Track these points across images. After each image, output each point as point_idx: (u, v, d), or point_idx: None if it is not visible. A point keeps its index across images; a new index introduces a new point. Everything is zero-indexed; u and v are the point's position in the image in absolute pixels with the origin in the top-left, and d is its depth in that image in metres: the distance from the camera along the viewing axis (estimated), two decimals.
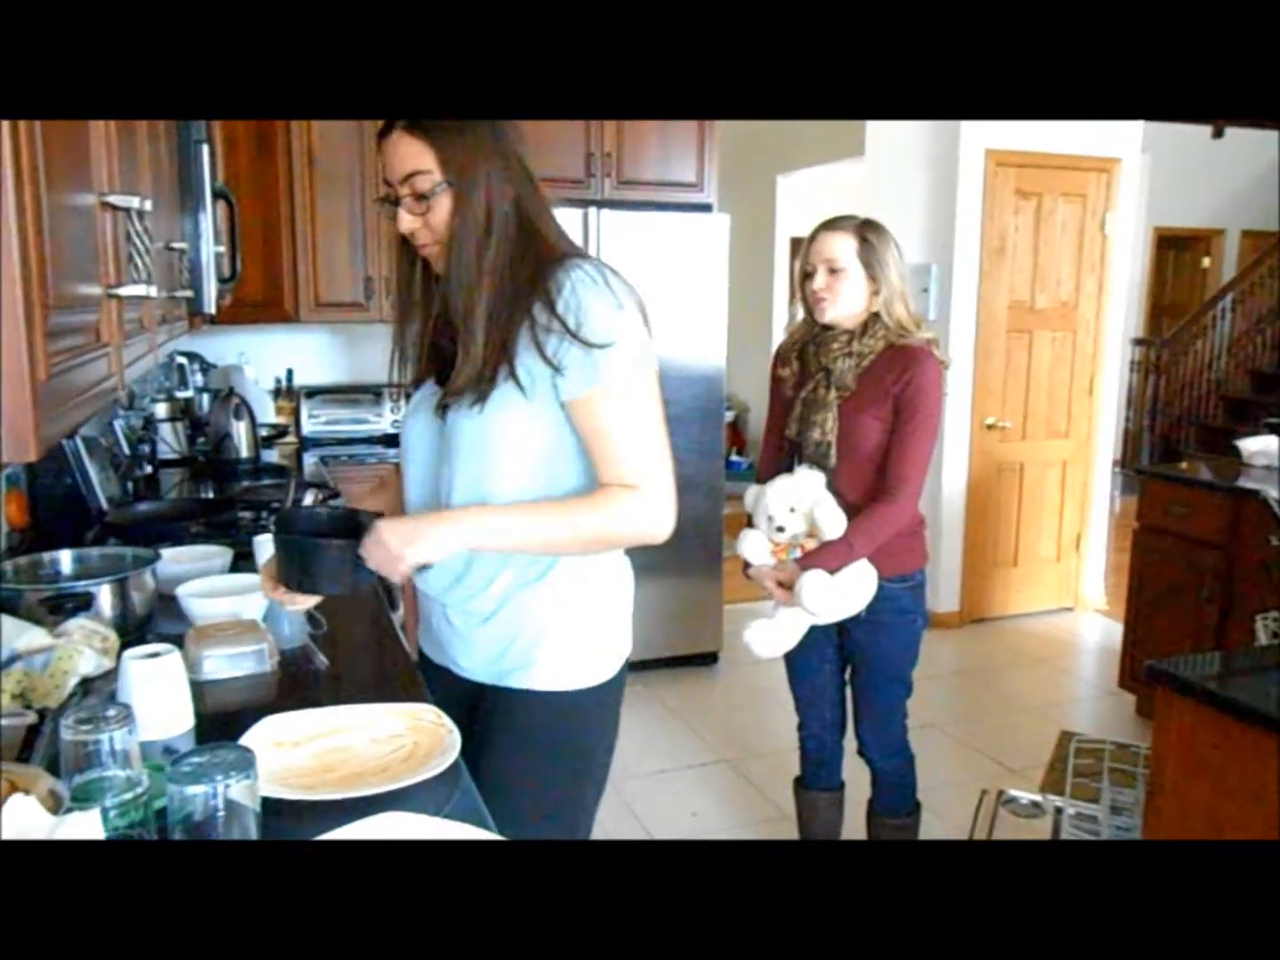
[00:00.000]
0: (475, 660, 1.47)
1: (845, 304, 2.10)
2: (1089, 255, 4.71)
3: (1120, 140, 4.63)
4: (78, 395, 0.88)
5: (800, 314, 2.23)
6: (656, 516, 1.34)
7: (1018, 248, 4.56)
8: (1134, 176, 4.75)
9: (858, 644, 2.23)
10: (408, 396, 1.54)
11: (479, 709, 1.48)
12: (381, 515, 1.36)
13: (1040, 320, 4.67)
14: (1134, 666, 3.58)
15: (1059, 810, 2.19)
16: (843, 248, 2.09)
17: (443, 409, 1.38)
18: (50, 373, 0.74)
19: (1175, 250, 8.69)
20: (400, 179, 1.32)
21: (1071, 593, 4.98)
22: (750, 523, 2.18)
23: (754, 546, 2.13)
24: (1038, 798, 2.35)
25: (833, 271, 2.09)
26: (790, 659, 2.33)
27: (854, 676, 2.31)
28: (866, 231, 2.11)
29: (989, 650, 4.48)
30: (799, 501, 2.07)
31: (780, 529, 2.08)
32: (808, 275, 2.14)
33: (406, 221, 1.33)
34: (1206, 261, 8.69)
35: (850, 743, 2.37)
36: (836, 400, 2.10)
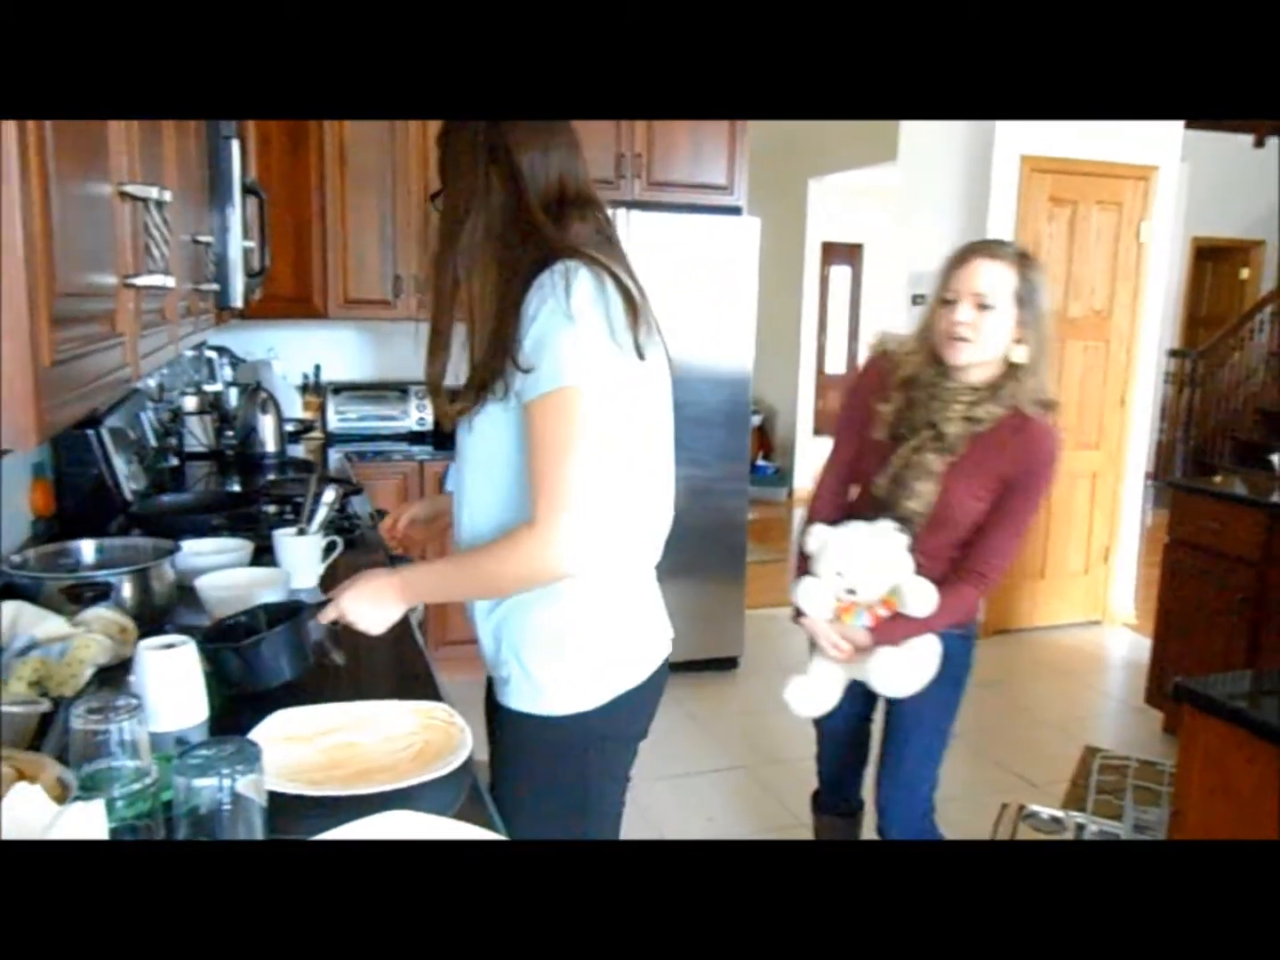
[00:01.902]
0: (485, 656, 1.45)
1: (986, 349, 1.77)
2: (1124, 264, 4.65)
3: (1159, 148, 4.56)
4: (87, 384, 0.88)
5: (917, 343, 1.87)
6: (547, 553, 1.22)
7: (1051, 255, 4.50)
8: (1172, 185, 4.68)
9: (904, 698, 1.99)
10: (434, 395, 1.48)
11: (491, 702, 1.48)
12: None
13: (1073, 329, 4.61)
14: (1161, 682, 3.52)
15: (1080, 827, 2.17)
16: (1000, 281, 1.76)
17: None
18: (55, 359, 0.74)
19: (1213, 261, 8.56)
20: None
21: (1099, 606, 4.91)
22: (808, 568, 1.93)
23: (814, 599, 1.90)
24: (1059, 814, 2.32)
25: (981, 307, 1.76)
26: None
27: (886, 723, 2.09)
28: (1027, 266, 1.78)
29: (1013, 662, 4.43)
30: (879, 564, 1.82)
31: (852, 591, 1.84)
32: (945, 303, 1.80)
33: None
34: (1245, 273, 8.55)
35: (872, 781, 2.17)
36: (942, 467, 1.81)
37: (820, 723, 2.13)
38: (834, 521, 1.91)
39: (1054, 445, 1.80)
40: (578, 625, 1.35)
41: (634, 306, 1.26)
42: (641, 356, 1.27)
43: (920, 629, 1.85)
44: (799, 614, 1.94)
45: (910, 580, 1.81)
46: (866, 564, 1.81)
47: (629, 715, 1.42)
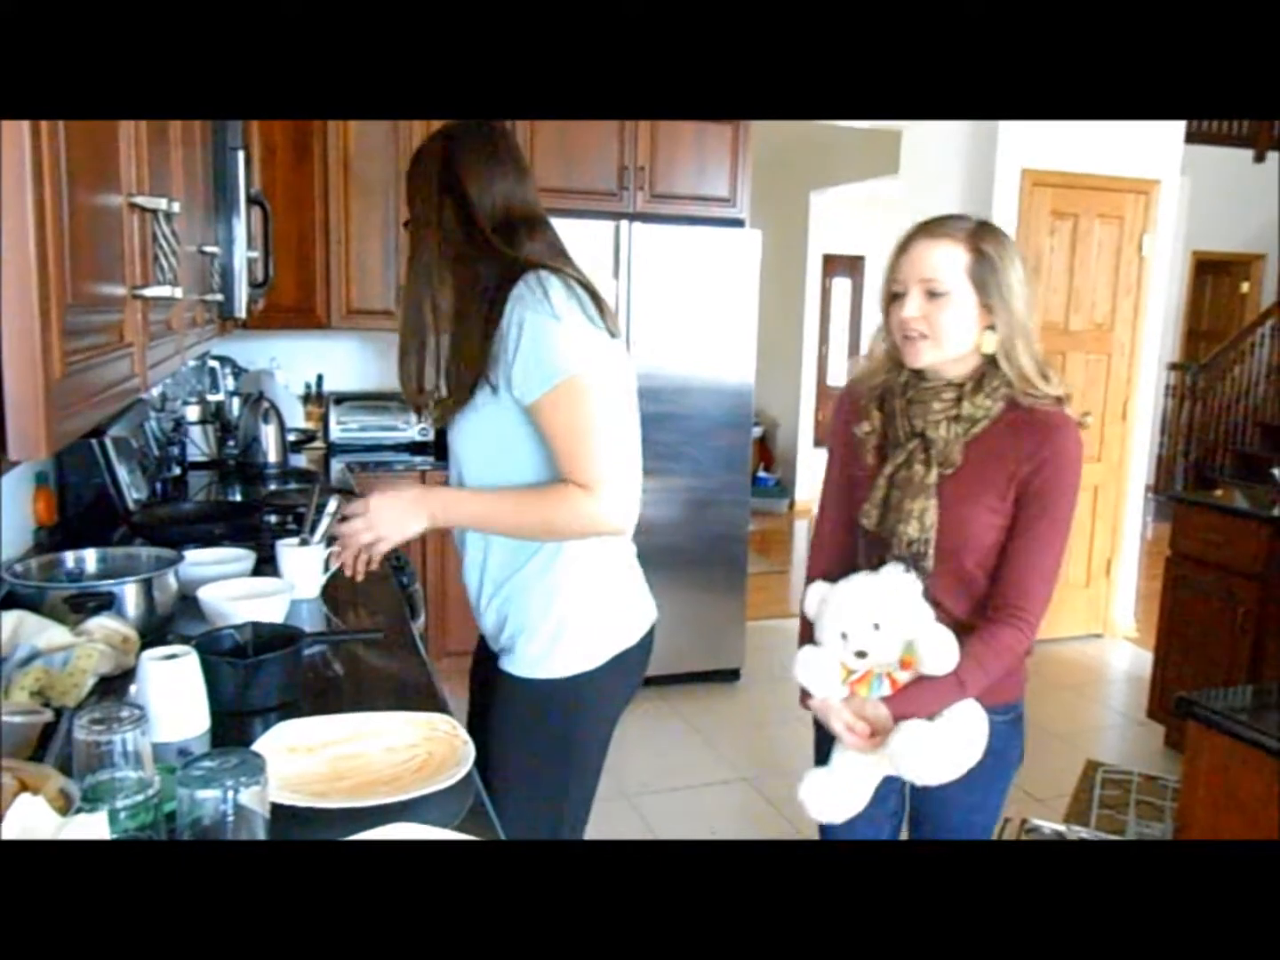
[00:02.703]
0: (486, 631, 1.63)
1: (948, 343, 1.49)
2: (1125, 278, 4.66)
3: (1160, 162, 4.58)
4: (96, 394, 0.88)
5: (881, 349, 1.59)
6: (608, 513, 1.41)
7: (1053, 268, 4.51)
8: (1173, 199, 4.70)
9: (932, 793, 1.53)
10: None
11: (490, 671, 1.61)
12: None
13: (1074, 342, 4.62)
14: (1164, 696, 3.51)
15: (1083, 842, 2.15)
16: (948, 262, 1.47)
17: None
18: (66, 371, 0.74)
19: (1214, 274, 8.59)
20: None
21: (1101, 619, 4.90)
22: (810, 637, 1.58)
23: (819, 673, 1.53)
24: (1061, 828, 2.31)
25: (932, 296, 1.48)
26: None
27: (916, 832, 1.70)
28: (983, 240, 1.48)
29: None
30: (888, 617, 1.47)
31: (861, 654, 1.48)
32: (895, 297, 1.52)
33: None
34: (1245, 286, 8.56)
35: None
36: (937, 481, 1.50)
37: (838, 832, 1.64)
38: (835, 577, 1.58)
39: (1069, 439, 1.48)
40: (580, 594, 1.51)
41: (598, 299, 1.45)
42: (614, 335, 1.47)
43: (953, 693, 1.47)
44: (805, 696, 1.58)
45: (925, 630, 1.47)
46: (873, 617, 1.47)
47: (623, 673, 1.57)
